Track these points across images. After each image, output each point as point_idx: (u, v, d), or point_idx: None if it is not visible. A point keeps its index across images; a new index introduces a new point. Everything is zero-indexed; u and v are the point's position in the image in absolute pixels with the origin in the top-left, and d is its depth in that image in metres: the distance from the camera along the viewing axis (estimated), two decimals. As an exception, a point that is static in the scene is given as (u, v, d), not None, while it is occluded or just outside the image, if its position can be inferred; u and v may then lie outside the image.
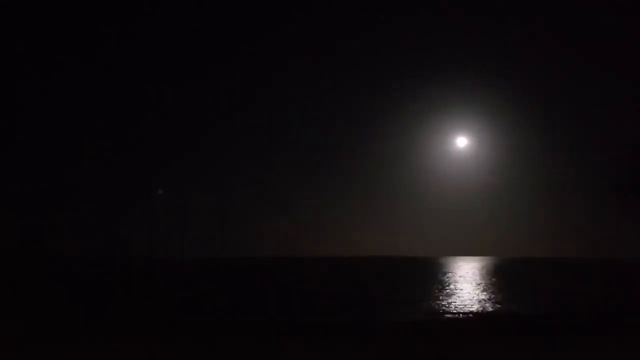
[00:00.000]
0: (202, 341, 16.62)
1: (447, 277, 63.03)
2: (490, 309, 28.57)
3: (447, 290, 41.12)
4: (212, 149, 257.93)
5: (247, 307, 29.53)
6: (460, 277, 65.04)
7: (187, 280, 60.15)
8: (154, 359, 13.94)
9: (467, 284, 49.52)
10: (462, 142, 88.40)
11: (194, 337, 17.54)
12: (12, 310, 26.89)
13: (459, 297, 35.68)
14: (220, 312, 27.00)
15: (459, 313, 26.88)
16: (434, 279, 59.03)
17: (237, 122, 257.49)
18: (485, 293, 39.09)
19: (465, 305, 30.42)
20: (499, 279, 61.26)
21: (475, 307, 29.29)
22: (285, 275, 75.17)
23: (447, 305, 30.02)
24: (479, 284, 49.78)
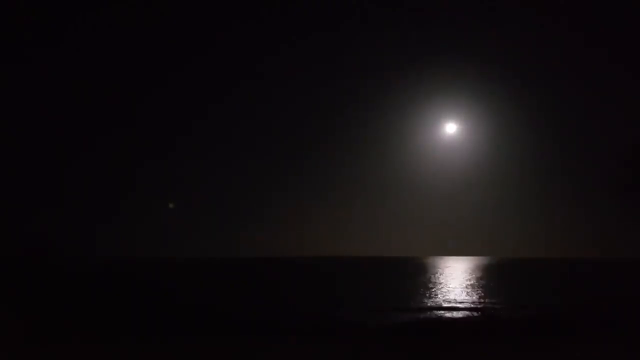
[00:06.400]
0: (197, 341, 16.48)
1: (441, 278, 62.84)
2: (487, 310, 28.40)
3: (442, 291, 40.93)
4: (200, 148, 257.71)
5: (243, 307, 29.38)
6: (454, 278, 64.87)
7: (179, 281, 59.99)
8: (150, 358, 13.79)
9: (462, 285, 49.32)
10: (451, 128, 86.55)
11: (189, 337, 17.41)
12: (10, 311, 26.79)
13: (454, 297, 35.50)
14: (215, 311, 26.89)
15: (454, 313, 26.74)
16: (427, 280, 58.83)
17: (222, 122, 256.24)
18: (480, 293, 38.90)
19: (461, 305, 30.26)
20: (495, 280, 61.08)
21: (471, 308, 29.12)
22: (275, 276, 75.00)
23: (443, 306, 29.88)
24: (474, 285, 49.59)
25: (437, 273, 76.26)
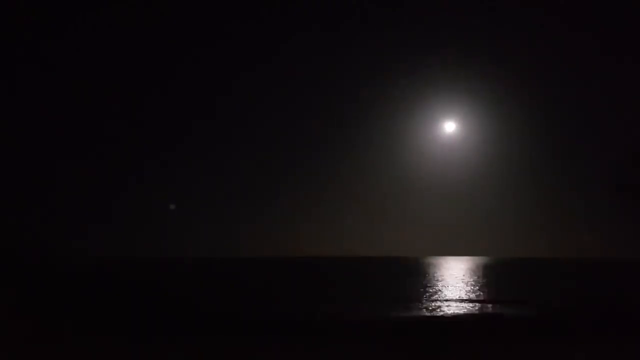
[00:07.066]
0: (196, 341, 16.47)
1: (441, 278, 62.83)
2: (487, 309, 28.41)
3: (442, 291, 40.94)
4: (199, 149, 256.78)
5: (242, 307, 29.39)
6: (454, 277, 64.88)
7: (178, 281, 59.99)
8: (150, 358, 13.79)
9: (462, 285, 49.33)
10: (450, 127, 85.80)
11: (188, 337, 17.41)
12: (10, 311, 26.80)
13: (454, 297, 35.50)
14: (215, 311, 26.90)
15: (454, 313, 26.75)
16: (427, 279, 58.84)
17: (221, 121, 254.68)
18: (480, 293, 38.90)
19: (461, 305, 30.27)
20: (495, 279, 61.08)
21: (471, 307, 29.13)
22: (275, 276, 75.01)
23: (443, 306, 29.89)
24: (474, 285, 49.59)
25: (436, 273, 76.26)
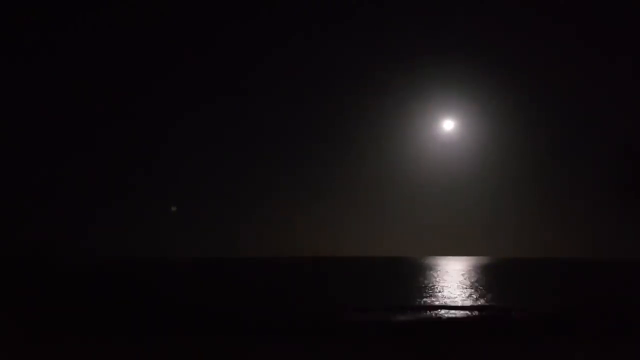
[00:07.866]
0: (196, 341, 16.48)
1: (440, 278, 62.83)
2: (486, 309, 28.39)
3: (441, 291, 40.93)
4: (198, 149, 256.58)
5: (242, 307, 29.39)
6: (452, 278, 64.87)
7: (178, 281, 59.99)
8: (149, 358, 13.79)
9: (461, 285, 49.32)
10: (449, 125, 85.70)
11: (188, 337, 17.41)
12: (10, 311, 26.81)
13: (453, 297, 35.50)
14: (214, 311, 26.91)
15: (454, 313, 26.76)
16: (426, 280, 58.84)
17: (221, 121, 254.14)
18: (479, 293, 38.89)
19: (460, 305, 30.25)
20: (494, 280, 61.08)
21: (470, 308, 29.11)
22: (274, 276, 75.01)
23: (442, 306, 29.88)
24: (473, 285, 49.59)
25: (435, 273, 76.26)
